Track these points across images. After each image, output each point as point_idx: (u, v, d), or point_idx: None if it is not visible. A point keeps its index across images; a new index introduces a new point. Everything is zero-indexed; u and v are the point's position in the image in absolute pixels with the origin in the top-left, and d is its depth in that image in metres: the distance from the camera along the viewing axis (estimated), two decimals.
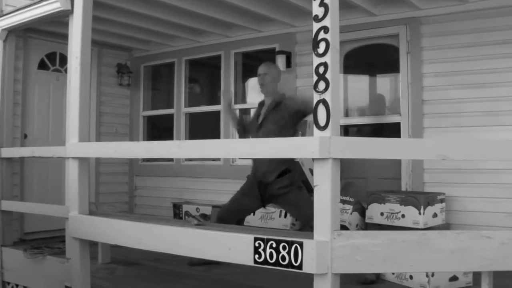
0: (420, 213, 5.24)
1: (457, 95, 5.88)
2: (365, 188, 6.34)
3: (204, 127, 8.56)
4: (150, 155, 4.21)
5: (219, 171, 7.82)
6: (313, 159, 3.11)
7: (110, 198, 8.38)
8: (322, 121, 3.09)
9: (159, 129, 9.27)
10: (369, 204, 5.64)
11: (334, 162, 3.07)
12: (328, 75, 3.08)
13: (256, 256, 3.25)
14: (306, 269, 3.07)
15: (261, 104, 5.38)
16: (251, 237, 3.29)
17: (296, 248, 3.10)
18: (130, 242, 4.06)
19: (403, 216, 5.35)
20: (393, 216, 5.43)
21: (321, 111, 3.09)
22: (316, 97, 3.11)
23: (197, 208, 7.31)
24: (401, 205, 5.37)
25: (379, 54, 6.86)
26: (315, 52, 3.14)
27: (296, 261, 3.10)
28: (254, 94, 8.00)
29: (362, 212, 5.82)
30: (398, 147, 3.30)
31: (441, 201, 5.61)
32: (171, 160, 8.39)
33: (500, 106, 5.62)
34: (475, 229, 5.48)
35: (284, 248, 3.14)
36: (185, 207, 7.50)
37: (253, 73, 8.22)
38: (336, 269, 3.05)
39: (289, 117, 5.03)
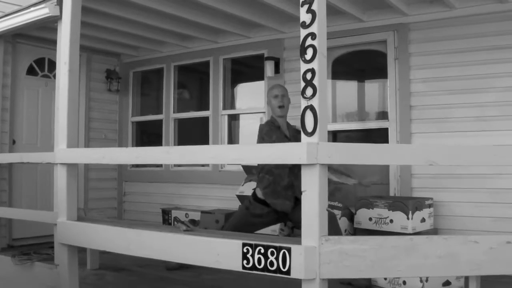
0: (408, 218, 5.26)
1: (445, 101, 5.92)
2: (353, 193, 6.36)
3: (193, 133, 8.55)
4: (139, 161, 4.21)
5: (208, 176, 7.82)
6: (301, 165, 3.13)
7: (99, 204, 8.35)
8: (309, 127, 3.10)
9: (148, 135, 9.25)
10: (358, 209, 5.67)
11: (322, 167, 3.09)
12: (315, 81, 3.10)
13: (245, 261, 3.26)
14: (294, 274, 3.08)
15: (276, 124, 5.10)
16: (239, 242, 3.30)
17: (284, 254, 3.11)
18: (118, 248, 4.05)
19: (391, 221, 5.37)
20: (381, 221, 5.45)
21: (309, 117, 3.11)
22: (303, 103, 3.13)
23: (186, 214, 7.30)
24: (389, 210, 5.39)
25: (367, 60, 6.90)
26: (303, 58, 3.16)
27: (284, 266, 3.11)
28: (242, 100, 8.05)
29: (351, 217, 5.84)
30: (386, 153, 3.31)
31: (429, 206, 5.64)
32: (160, 166, 8.39)
33: (488, 111, 5.67)
34: (462, 233, 5.52)
35: (272, 253, 3.15)
36: (174, 213, 7.48)
37: (242, 79, 8.27)
38: (324, 274, 3.07)
39: None
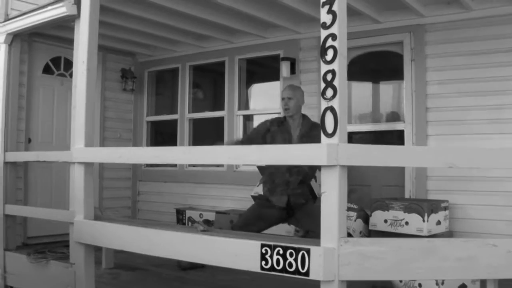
0: (424, 221, 5.25)
1: (461, 103, 5.89)
2: (369, 195, 6.35)
3: (208, 133, 8.56)
4: (157, 161, 4.21)
5: (223, 177, 7.82)
6: (320, 166, 3.12)
7: (113, 203, 8.38)
8: (329, 128, 3.09)
9: (163, 135, 9.27)
10: (373, 211, 5.65)
11: (342, 169, 3.07)
12: (335, 82, 3.09)
13: (263, 262, 3.25)
14: (313, 276, 3.07)
15: (281, 121, 5.32)
16: (258, 243, 3.29)
17: (303, 255, 3.10)
18: (135, 248, 4.04)
19: (406, 223, 5.36)
20: (396, 223, 5.44)
21: (329, 118, 3.09)
22: (323, 104, 3.12)
23: (200, 214, 7.31)
24: (405, 212, 5.38)
25: (383, 61, 6.87)
26: (323, 59, 3.15)
27: (303, 267, 3.10)
28: (258, 100, 8.03)
29: (366, 219, 5.83)
30: (405, 155, 3.30)
31: (445, 208, 5.63)
32: (174, 165, 8.40)
33: (505, 114, 5.64)
34: (477, 236, 5.50)
35: (291, 254, 3.14)
36: (189, 213, 7.50)
37: (257, 79, 8.26)
38: (343, 276, 3.05)
39: None
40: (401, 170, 6.30)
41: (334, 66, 3.11)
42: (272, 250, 3.22)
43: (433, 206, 5.41)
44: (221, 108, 8.01)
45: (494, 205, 5.67)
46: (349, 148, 3.10)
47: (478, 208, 5.76)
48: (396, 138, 6.42)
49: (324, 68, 3.14)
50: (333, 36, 3.12)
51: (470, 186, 5.79)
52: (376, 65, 7.02)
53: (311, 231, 5.03)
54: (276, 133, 5.27)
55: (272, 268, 3.22)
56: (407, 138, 6.28)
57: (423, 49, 6.19)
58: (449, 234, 5.65)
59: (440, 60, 6.07)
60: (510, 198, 5.56)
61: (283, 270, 3.18)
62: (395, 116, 6.66)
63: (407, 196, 6.23)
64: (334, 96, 3.09)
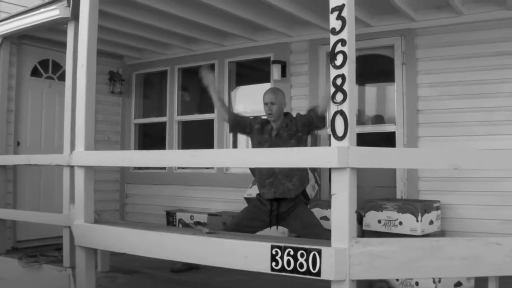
0: (417, 221, 5.34)
1: (452, 105, 5.99)
2: (361, 196, 6.40)
3: (197, 136, 8.56)
4: (160, 164, 4.24)
5: (212, 179, 7.83)
6: (330, 168, 3.18)
7: (101, 206, 8.23)
8: (340, 131, 3.16)
9: (151, 137, 9.25)
10: (367, 211, 5.73)
11: (352, 171, 3.14)
12: (345, 87, 3.16)
13: (273, 263, 3.30)
14: (324, 276, 3.13)
15: (265, 123, 5.34)
16: (268, 245, 3.34)
17: (314, 256, 3.16)
18: (141, 251, 4.05)
19: (400, 223, 5.44)
20: (390, 224, 5.52)
21: (339, 121, 3.16)
22: (333, 108, 3.19)
23: (191, 216, 7.31)
24: (398, 212, 5.46)
25: (375, 64, 6.96)
26: (333, 64, 3.21)
27: (314, 268, 3.16)
28: (248, 103, 8.05)
29: (360, 220, 5.88)
30: (413, 157, 3.38)
31: (437, 208, 5.73)
32: (163, 168, 8.38)
33: (494, 116, 5.76)
34: (469, 235, 5.59)
35: (302, 255, 3.20)
36: (179, 215, 7.49)
37: (248, 82, 8.28)
38: (353, 275, 3.12)
39: (302, 128, 5.12)
40: (392, 171, 6.38)
41: (344, 70, 3.17)
42: (283, 251, 3.27)
43: (426, 206, 5.51)
44: (211, 110, 8.01)
45: (484, 204, 5.78)
46: (359, 150, 3.17)
47: (469, 207, 5.87)
48: (388, 140, 6.48)
49: (334, 73, 3.21)
50: (343, 42, 3.19)
51: (461, 186, 5.90)
52: (367, 69, 7.08)
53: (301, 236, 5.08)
54: (257, 132, 5.31)
55: (282, 269, 3.27)
56: (398, 140, 6.37)
57: (414, 52, 6.29)
58: (441, 233, 5.75)
59: (431, 63, 6.17)
60: (500, 197, 5.68)
61: (294, 270, 3.23)
62: (387, 119, 6.72)
63: (398, 196, 6.31)
64: (344, 100, 3.16)
